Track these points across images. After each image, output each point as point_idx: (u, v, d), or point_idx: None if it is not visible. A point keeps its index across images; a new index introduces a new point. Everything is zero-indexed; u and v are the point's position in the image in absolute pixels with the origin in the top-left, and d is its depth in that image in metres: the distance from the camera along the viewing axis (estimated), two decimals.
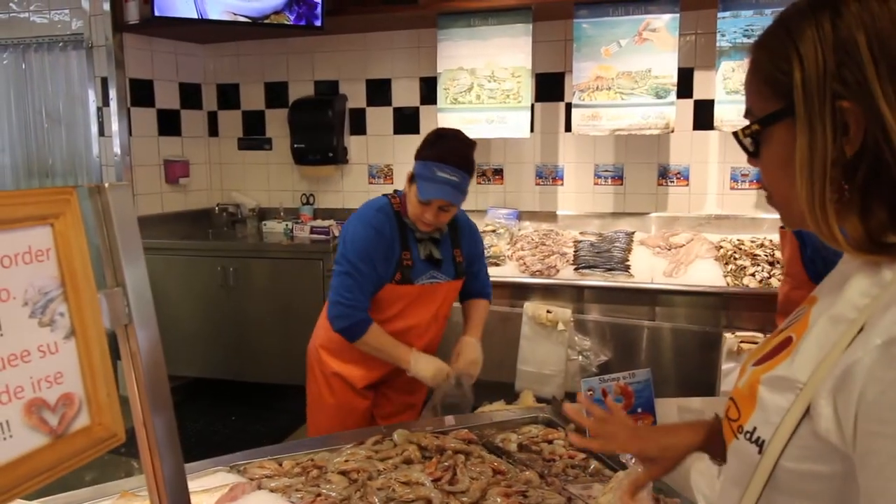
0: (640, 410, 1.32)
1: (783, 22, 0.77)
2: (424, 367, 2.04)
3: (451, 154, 1.98)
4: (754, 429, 0.76)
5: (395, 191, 2.17)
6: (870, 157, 0.71)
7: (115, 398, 0.70)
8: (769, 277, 3.13)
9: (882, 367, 0.64)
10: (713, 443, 1.06)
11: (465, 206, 4.21)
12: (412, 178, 2.04)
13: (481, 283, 2.32)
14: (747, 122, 0.81)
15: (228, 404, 4.16)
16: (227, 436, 3.79)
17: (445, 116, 3.84)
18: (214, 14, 3.71)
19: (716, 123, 3.42)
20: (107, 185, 0.72)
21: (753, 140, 0.80)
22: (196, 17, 3.70)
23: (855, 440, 0.67)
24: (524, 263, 3.53)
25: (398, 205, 2.11)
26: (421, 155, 2.02)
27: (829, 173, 0.72)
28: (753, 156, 0.82)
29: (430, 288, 2.11)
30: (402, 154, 4.39)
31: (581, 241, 3.70)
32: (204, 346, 4.10)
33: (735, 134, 0.82)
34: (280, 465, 1.64)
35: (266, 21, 3.80)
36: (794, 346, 0.76)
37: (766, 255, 3.27)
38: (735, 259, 3.31)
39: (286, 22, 3.82)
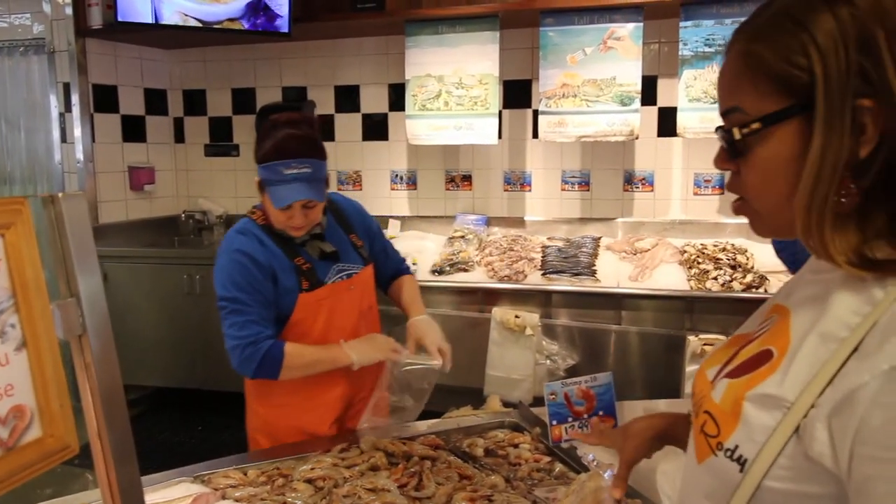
0: (601, 413, 1.33)
1: (787, 13, 0.72)
2: (362, 351, 1.83)
3: (291, 143, 1.74)
4: (736, 447, 0.74)
5: (254, 206, 1.91)
6: (883, 157, 0.68)
7: (69, 409, 0.69)
8: (731, 281, 3.20)
9: (890, 392, 0.62)
10: (676, 427, 1.09)
11: (434, 212, 4.27)
12: (261, 187, 1.80)
13: (394, 260, 2.15)
14: (732, 121, 0.76)
15: (195, 414, 4.10)
16: (194, 446, 3.74)
17: (414, 123, 3.86)
18: (168, 14, 3.67)
19: (679, 130, 3.48)
20: (60, 194, 0.72)
21: (744, 139, 0.74)
22: (151, 19, 3.65)
23: (851, 466, 0.65)
24: (492, 269, 3.55)
25: (262, 218, 1.86)
26: (260, 156, 1.77)
27: (839, 175, 0.68)
28: (738, 157, 0.76)
29: (346, 283, 1.90)
30: (371, 160, 4.40)
31: (548, 247, 3.73)
32: (170, 355, 4.05)
33: (727, 133, 0.76)
34: (245, 474, 1.63)
35: (218, 26, 3.77)
36: (780, 361, 0.74)
37: (728, 259, 3.34)
38: (698, 263, 3.37)
39: (240, 28, 3.80)
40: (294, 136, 1.76)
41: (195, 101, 4.68)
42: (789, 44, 0.70)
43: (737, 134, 0.74)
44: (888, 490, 0.62)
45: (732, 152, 0.76)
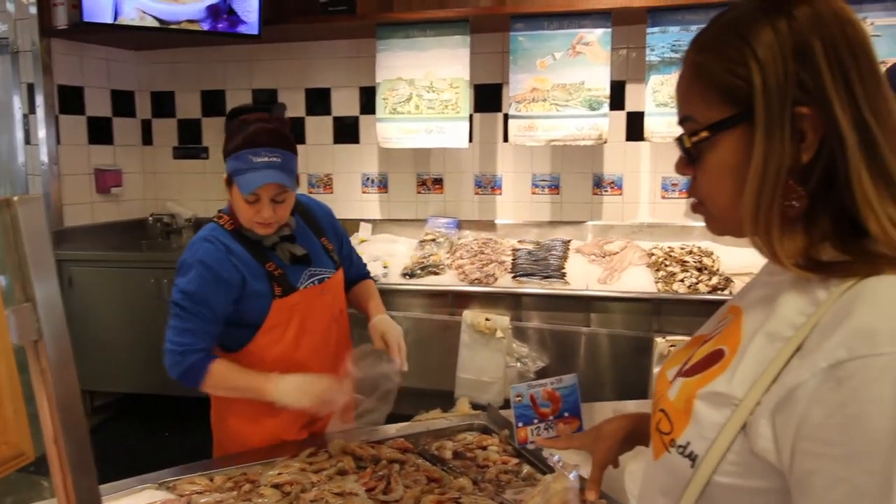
0: (566, 415, 1.35)
1: (731, 25, 0.75)
2: (287, 392, 1.73)
3: (261, 135, 1.73)
4: (688, 443, 0.76)
5: (220, 210, 1.88)
6: (823, 163, 0.72)
7: (24, 415, 0.68)
8: (697, 283, 3.25)
9: (828, 390, 0.65)
10: (644, 425, 1.11)
11: (405, 215, 4.28)
12: (228, 181, 1.77)
13: (357, 266, 2.14)
14: (686, 129, 0.80)
15: (162, 420, 4.05)
16: (161, 453, 3.69)
17: (385, 126, 3.86)
18: (127, 10, 3.60)
19: (646, 135, 3.53)
20: (16, 198, 0.71)
21: (696, 147, 0.78)
22: (112, 15, 3.58)
23: (793, 460, 0.67)
24: (463, 272, 3.56)
25: (230, 222, 1.82)
26: (230, 149, 1.75)
27: (783, 180, 0.72)
28: (693, 163, 0.80)
29: (319, 288, 1.87)
30: (342, 163, 4.38)
31: (519, 250, 3.76)
32: (137, 361, 3.98)
33: (679, 140, 0.80)
34: (211, 480, 1.62)
35: (176, 27, 3.71)
36: (730, 360, 0.76)
37: (695, 262, 3.39)
38: (666, 266, 3.42)
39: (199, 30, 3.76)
40: (265, 128, 1.75)
41: (163, 103, 4.63)
42: (732, 55, 0.74)
43: (687, 142, 0.78)
44: (826, 484, 0.65)
45: (688, 159, 0.81)
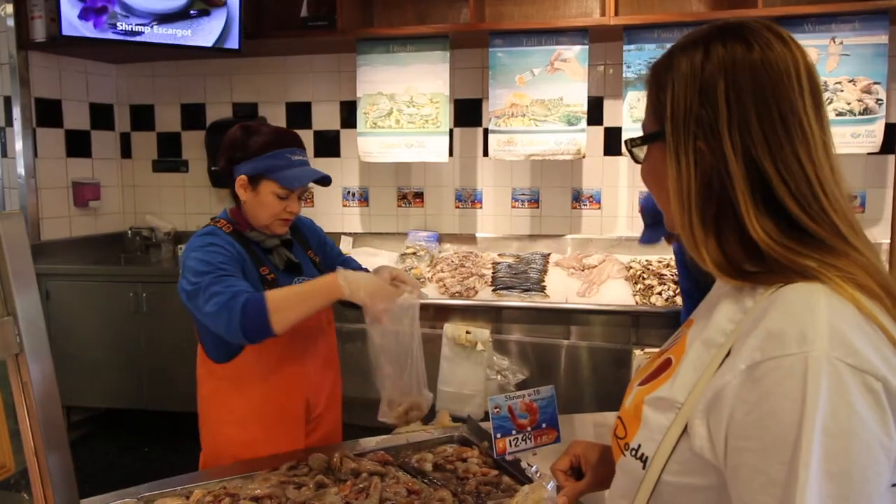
0: (544, 426, 1.37)
1: (671, 52, 0.83)
2: (356, 278, 1.69)
3: (288, 134, 1.87)
4: (639, 446, 0.82)
5: (213, 218, 1.90)
6: (717, 191, 0.78)
7: (4, 428, 0.69)
8: (674, 296, 3.29)
9: (747, 389, 0.71)
10: None
11: (386, 229, 4.29)
12: (252, 181, 1.79)
13: (350, 264, 2.09)
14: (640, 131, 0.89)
15: (142, 435, 4.00)
16: (140, 468, 3.65)
17: (366, 140, 3.88)
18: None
19: (623, 150, 3.58)
20: None
21: (630, 148, 0.89)
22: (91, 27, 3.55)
23: (726, 456, 0.73)
24: (444, 285, 3.58)
25: (227, 225, 1.84)
26: (256, 149, 1.78)
27: (694, 198, 0.79)
28: (638, 162, 0.90)
29: None
30: None
31: (499, 263, 3.79)
32: (116, 376, 3.95)
33: (625, 142, 0.90)
34: (187, 497, 1.61)
35: (156, 41, 3.67)
36: (674, 368, 0.82)
37: (672, 275, 3.44)
38: (643, 279, 3.47)
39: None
40: (287, 130, 1.89)
41: (143, 116, 4.61)
42: (661, 79, 0.82)
43: (628, 144, 0.88)
44: (748, 475, 0.70)
45: (634, 159, 0.91)
